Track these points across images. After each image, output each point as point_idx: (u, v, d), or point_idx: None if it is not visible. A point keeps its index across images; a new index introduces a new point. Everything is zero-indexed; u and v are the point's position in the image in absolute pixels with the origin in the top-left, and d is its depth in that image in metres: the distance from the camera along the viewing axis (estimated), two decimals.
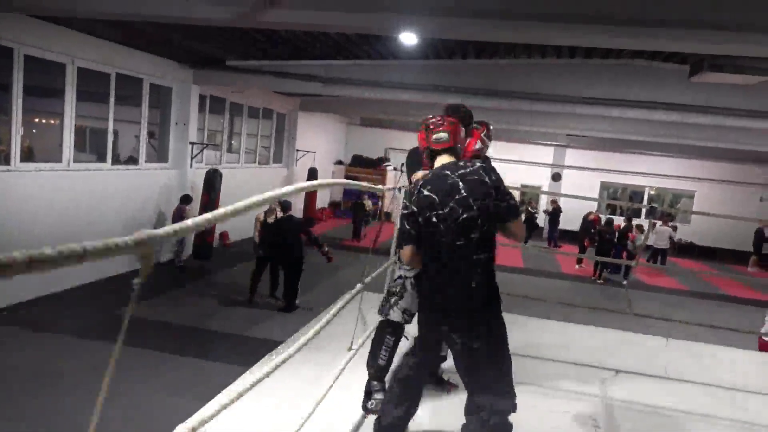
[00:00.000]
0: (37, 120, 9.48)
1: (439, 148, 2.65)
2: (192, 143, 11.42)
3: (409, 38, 7.63)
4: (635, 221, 15.70)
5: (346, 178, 20.83)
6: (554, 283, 13.02)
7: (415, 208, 2.54)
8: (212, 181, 11.18)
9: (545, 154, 20.77)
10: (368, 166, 20.77)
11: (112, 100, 9.40)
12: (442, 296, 2.50)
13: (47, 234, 7.79)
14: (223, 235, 12.88)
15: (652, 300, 11.87)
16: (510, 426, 2.48)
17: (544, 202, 20.98)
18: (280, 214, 8.90)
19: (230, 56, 10.61)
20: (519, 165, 19.86)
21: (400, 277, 3.13)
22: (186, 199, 10.63)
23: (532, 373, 3.86)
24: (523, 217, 2.48)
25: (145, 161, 10.63)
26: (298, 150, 16.86)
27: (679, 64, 8.59)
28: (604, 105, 9.74)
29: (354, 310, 3.70)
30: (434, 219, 2.47)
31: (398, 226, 2.78)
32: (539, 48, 8.99)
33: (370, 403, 3.08)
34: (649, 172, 20.21)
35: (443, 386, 3.46)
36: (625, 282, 12.97)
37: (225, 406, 1.91)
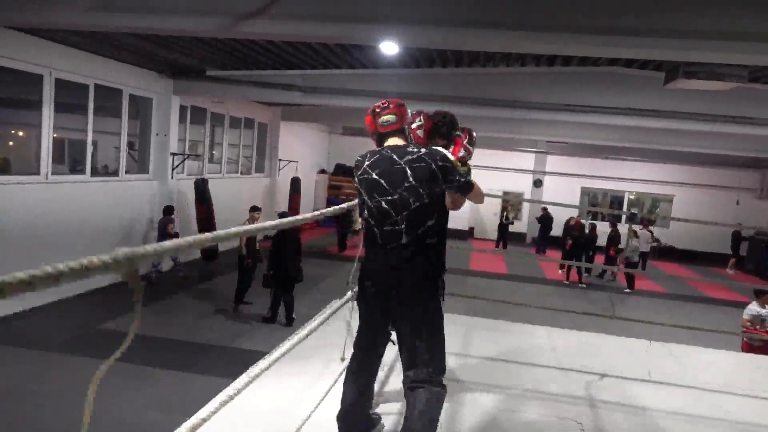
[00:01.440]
0: (13, 132, 9.32)
1: (386, 130, 2.70)
2: (173, 154, 11.33)
3: (389, 47, 7.68)
4: (623, 225, 15.91)
5: (330, 187, 20.83)
6: (538, 288, 13.11)
7: (362, 190, 2.63)
8: (203, 191, 11.20)
9: (526, 160, 21.00)
10: (352, 174, 20.68)
11: (90, 111, 9.30)
12: (385, 277, 2.52)
13: (26, 249, 7.65)
14: None
15: (634, 303, 12.02)
16: (442, 393, 2.47)
17: (527, 210, 21.16)
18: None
19: (210, 66, 10.57)
20: (500, 172, 20.06)
21: None
22: (168, 210, 10.58)
23: (517, 377, 3.88)
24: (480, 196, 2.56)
25: (126, 173, 10.52)
26: (280, 159, 16.79)
27: (654, 71, 8.75)
28: (583, 112, 9.87)
29: (343, 319, 3.68)
30: (384, 204, 2.53)
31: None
32: (518, 56, 9.09)
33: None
34: (629, 177, 20.55)
35: None
36: (628, 290, 13.35)
37: (205, 420, 1.88)
